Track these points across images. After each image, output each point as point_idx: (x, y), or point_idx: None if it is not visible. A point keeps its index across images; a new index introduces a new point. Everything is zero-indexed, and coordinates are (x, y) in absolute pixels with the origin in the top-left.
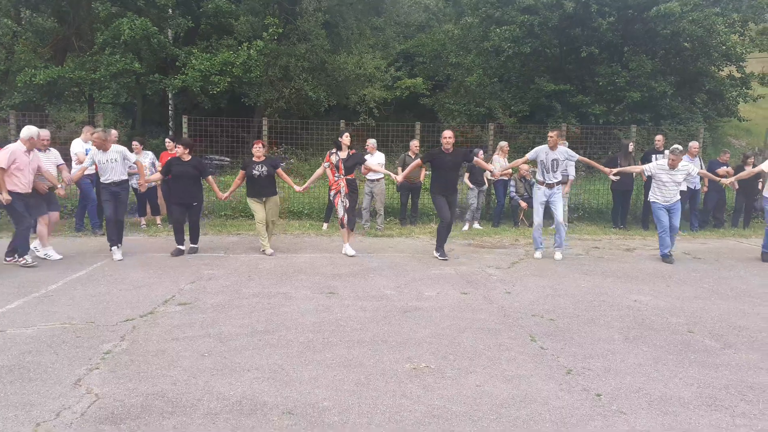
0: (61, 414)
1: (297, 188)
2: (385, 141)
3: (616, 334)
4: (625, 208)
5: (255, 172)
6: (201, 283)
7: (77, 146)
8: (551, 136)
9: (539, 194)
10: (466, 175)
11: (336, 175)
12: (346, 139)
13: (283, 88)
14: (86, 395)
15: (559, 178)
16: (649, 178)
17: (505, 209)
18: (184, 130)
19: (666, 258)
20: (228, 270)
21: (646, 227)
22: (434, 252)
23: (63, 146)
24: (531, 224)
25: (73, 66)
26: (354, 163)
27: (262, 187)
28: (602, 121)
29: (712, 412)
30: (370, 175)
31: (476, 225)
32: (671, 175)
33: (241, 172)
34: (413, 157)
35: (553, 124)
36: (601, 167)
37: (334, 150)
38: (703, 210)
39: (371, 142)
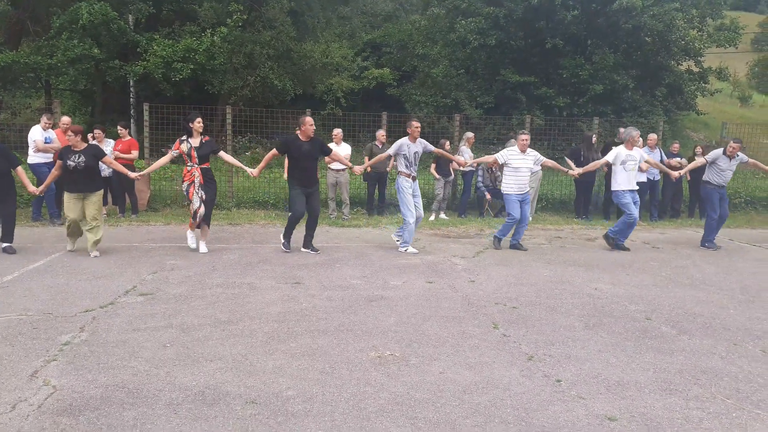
0: (18, 406)
1: (131, 175)
2: (352, 131)
3: (577, 322)
4: (588, 199)
5: (70, 162)
6: (163, 274)
7: (36, 133)
8: (418, 127)
9: (407, 186)
10: (433, 165)
11: (189, 164)
12: (197, 124)
13: (247, 76)
14: (43, 387)
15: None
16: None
17: (470, 200)
18: (146, 118)
19: (497, 243)
20: (191, 260)
21: (607, 217)
22: (281, 236)
23: (20, 134)
24: (496, 215)
25: (29, 51)
26: (209, 150)
27: (79, 182)
28: (566, 114)
29: (666, 396)
30: (335, 165)
31: (442, 215)
32: (523, 159)
33: (57, 162)
34: (380, 146)
35: (518, 116)
36: (450, 156)
37: (184, 137)
38: (662, 201)
39: (338, 132)
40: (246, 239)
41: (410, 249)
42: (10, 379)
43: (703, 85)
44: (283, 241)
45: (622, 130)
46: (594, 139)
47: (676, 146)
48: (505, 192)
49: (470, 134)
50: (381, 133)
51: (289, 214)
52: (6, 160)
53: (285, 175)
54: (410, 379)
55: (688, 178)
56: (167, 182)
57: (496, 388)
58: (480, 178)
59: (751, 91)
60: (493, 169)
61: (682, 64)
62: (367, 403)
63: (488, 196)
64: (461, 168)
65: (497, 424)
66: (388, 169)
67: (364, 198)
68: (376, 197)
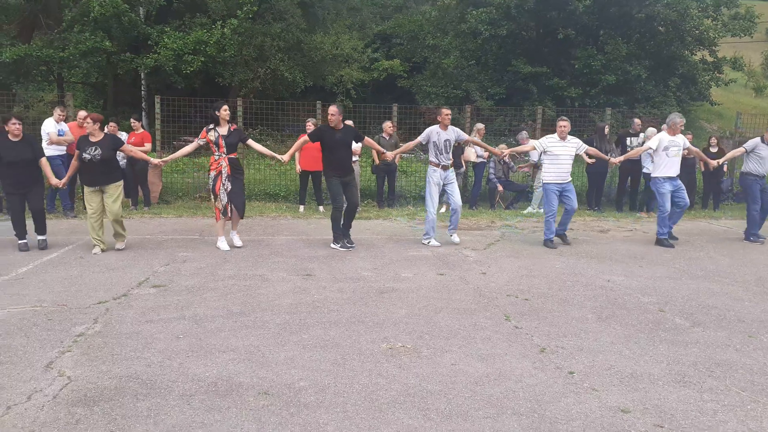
0: (33, 397)
1: (153, 161)
2: (363, 123)
3: (589, 314)
4: (600, 190)
5: (86, 155)
6: (175, 266)
7: (49, 126)
8: (449, 114)
9: (434, 177)
10: None
11: (216, 153)
12: (224, 112)
13: (258, 68)
14: (58, 378)
15: (452, 160)
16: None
17: (482, 191)
18: (157, 110)
19: (549, 244)
20: (203, 252)
21: (620, 209)
22: (331, 244)
23: (32, 126)
24: (507, 206)
25: (41, 44)
26: (237, 139)
27: (96, 174)
28: (578, 104)
29: (680, 388)
30: None
31: None
32: (563, 147)
33: (76, 153)
34: (387, 138)
35: (529, 107)
36: (491, 149)
37: (211, 126)
38: None
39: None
40: (257, 231)
41: (433, 242)
42: (25, 369)
43: (717, 75)
44: (334, 246)
45: (637, 120)
46: (606, 129)
47: (689, 137)
48: (544, 182)
49: (480, 125)
50: (388, 125)
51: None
52: (32, 150)
53: (297, 168)
54: (422, 371)
55: (705, 170)
56: (179, 175)
57: (509, 380)
58: (492, 170)
59: (766, 81)
60: (506, 161)
61: (695, 54)
62: (379, 395)
63: (500, 188)
64: (500, 157)
65: (510, 416)
66: (396, 161)
67: (374, 190)
68: (385, 189)
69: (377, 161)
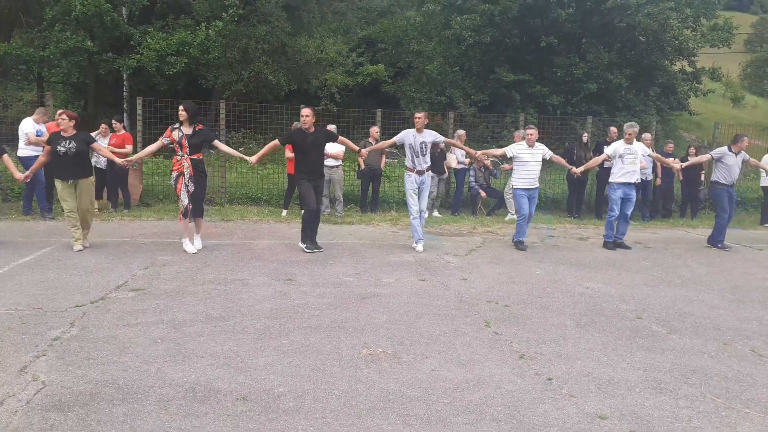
0: (5, 402)
1: (119, 161)
2: (347, 127)
3: (568, 320)
4: (580, 198)
5: (61, 148)
6: (155, 269)
7: (28, 126)
8: (419, 118)
9: (410, 183)
10: None
11: (179, 153)
12: (181, 112)
13: (242, 71)
14: (32, 382)
15: (429, 164)
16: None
17: (463, 198)
18: (139, 112)
19: (520, 245)
20: (183, 256)
21: (599, 217)
22: (299, 242)
23: (11, 127)
24: (489, 213)
25: (21, 43)
26: (201, 140)
27: (70, 168)
28: (560, 112)
29: (656, 395)
30: (329, 162)
31: (435, 213)
32: (531, 153)
33: (46, 148)
34: (373, 143)
35: (512, 114)
36: (464, 147)
37: (177, 124)
38: (653, 201)
39: (332, 128)
40: (238, 235)
41: (418, 246)
42: None
43: (696, 85)
44: (302, 245)
45: (613, 128)
46: (586, 137)
47: (670, 146)
48: (514, 187)
49: (461, 132)
50: (375, 130)
51: (302, 211)
52: None
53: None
54: (402, 377)
55: (680, 177)
56: (160, 177)
57: (488, 386)
58: (472, 177)
59: (744, 92)
60: (488, 167)
61: (675, 64)
62: (358, 401)
63: (483, 194)
64: (480, 162)
65: (488, 422)
66: (381, 166)
67: (357, 195)
68: (369, 194)
69: (362, 166)
